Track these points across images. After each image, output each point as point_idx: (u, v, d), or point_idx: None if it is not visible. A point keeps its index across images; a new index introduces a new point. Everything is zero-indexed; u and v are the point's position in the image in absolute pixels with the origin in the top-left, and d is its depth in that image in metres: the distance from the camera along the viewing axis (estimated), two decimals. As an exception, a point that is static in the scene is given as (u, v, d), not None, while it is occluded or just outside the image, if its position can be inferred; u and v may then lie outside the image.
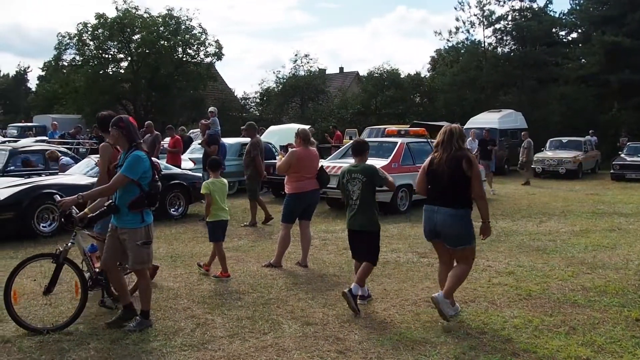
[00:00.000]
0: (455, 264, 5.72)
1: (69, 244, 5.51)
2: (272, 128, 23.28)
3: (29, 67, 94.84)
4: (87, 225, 5.63)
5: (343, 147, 15.11)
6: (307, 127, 9.03)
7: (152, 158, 5.55)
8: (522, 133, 20.93)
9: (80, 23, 37.06)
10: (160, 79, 37.81)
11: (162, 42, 37.28)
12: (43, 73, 57.46)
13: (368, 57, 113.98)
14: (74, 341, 5.05)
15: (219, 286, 6.80)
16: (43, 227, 9.53)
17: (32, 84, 78.73)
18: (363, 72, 45.01)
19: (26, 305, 5.95)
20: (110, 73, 38.20)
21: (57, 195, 6.69)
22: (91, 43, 37.71)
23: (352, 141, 7.13)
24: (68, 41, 37.59)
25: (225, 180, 7.49)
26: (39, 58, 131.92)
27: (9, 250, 8.50)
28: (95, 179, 7.36)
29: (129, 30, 37.08)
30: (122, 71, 38.95)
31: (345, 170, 6.33)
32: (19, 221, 9.19)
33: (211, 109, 14.52)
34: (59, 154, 12.52)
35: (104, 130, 6.34)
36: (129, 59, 38.44)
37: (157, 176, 5.41)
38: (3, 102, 78.34)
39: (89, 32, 37.29)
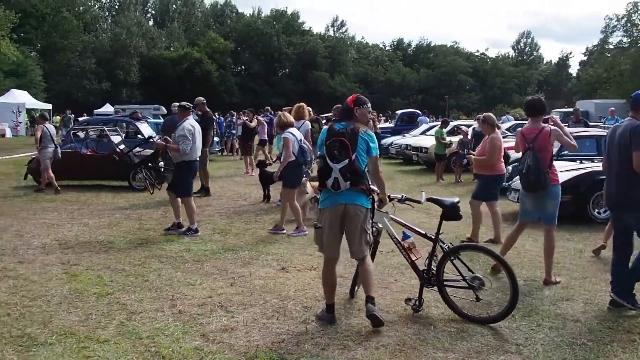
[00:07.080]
0: None
1: (379, 226, 5.36)
2: None
3: (570, 53, 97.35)
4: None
5: None
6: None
7: None
8: None
9: (630, 3, 35.90)
10: None
11: None
12: (585, 58, 58.20)
13: None
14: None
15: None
16: (597, 212, 9.61)
17: (573, 69, 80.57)
18: None
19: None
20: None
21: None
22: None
23: None
24: (615, 23, 36.91)
25: None
26: (580, 43, 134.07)
27: (565, 232, 8.65)
28: None
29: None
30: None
31: None
32: (576, 204, 9.45)
33: None
34: None
35: (530, 114, 6.31)
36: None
37: None
38: (545, 87, 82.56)
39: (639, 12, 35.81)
